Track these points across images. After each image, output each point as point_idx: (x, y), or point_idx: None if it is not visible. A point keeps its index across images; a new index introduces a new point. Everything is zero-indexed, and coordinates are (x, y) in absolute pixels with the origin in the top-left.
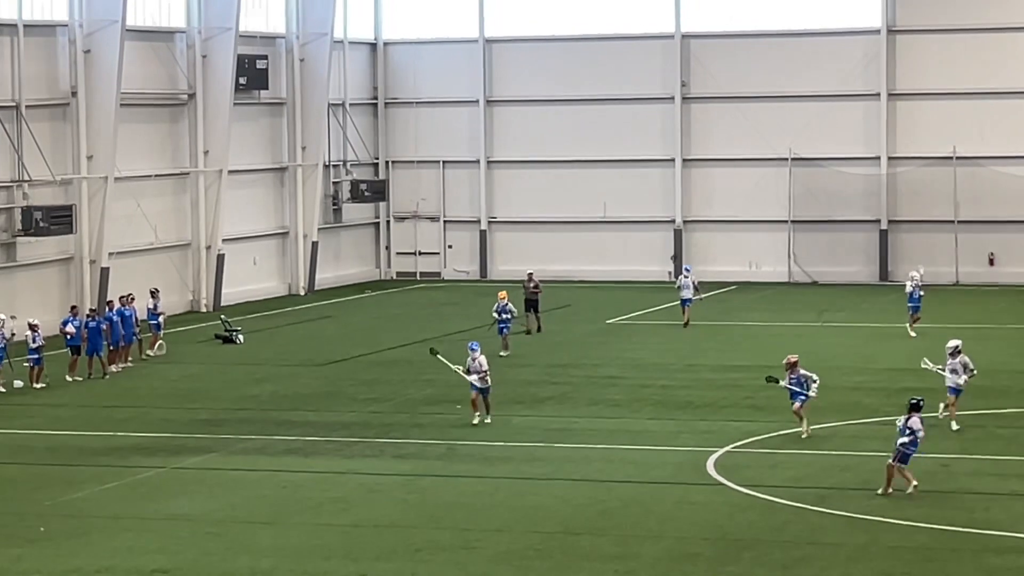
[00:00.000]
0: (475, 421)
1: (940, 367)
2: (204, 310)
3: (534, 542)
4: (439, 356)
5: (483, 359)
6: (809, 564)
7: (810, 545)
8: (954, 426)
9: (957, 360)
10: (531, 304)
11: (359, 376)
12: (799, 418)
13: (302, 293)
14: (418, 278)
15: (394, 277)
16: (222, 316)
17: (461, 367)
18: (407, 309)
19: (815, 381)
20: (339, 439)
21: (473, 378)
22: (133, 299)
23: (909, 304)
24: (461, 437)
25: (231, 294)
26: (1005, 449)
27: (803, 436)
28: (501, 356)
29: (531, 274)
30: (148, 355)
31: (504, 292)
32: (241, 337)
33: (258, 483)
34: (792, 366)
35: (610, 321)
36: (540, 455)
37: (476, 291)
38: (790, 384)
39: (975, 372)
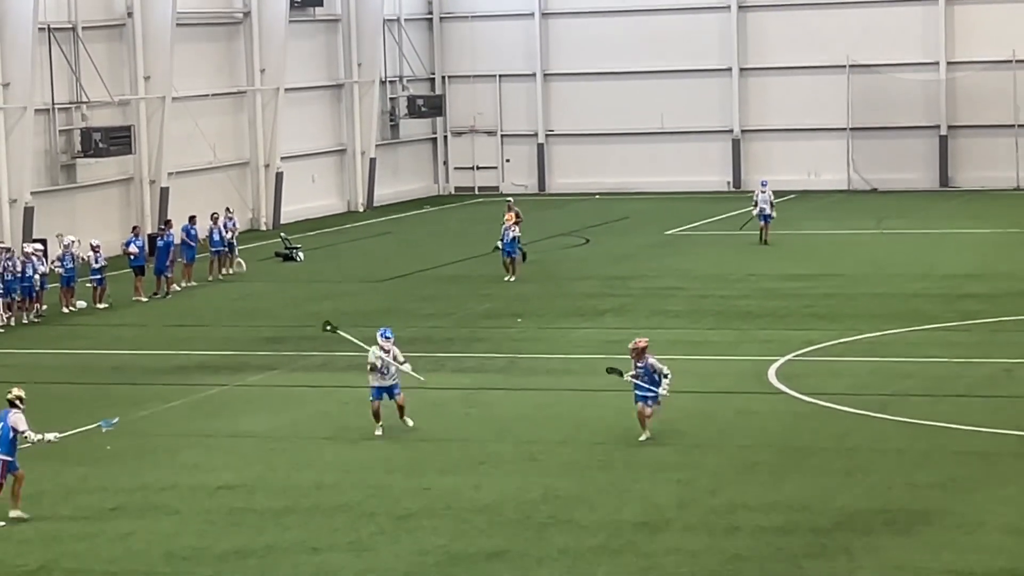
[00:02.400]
0: (378, 432)
1: None
2: (264, 228)
3: (596, 454)
4: (338, 331)
5: (396, 352)
6: (872, 471)
7: (873, 452)
8: None
9: None
10: None
11: (419, 291)
12: (642, 423)
13: (361, 210)
14: (476, 192)
15: (452, 192)
16: (282, 234)
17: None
18: (466, 224)
19: (667, 376)
20: None
21: (391, 374)
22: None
23: None
24: (522, 350)
25: (290, 212)
26: None
27: (640, 439)
28: (506, 280)
29: (510, 203)
30: (224, 274)
31: (511, 214)
32: (301, 254)
33: (321, 399)
34: (639, 353)
35: (668, 232)
36: (601, 367)
37: (534, 204)
38: (636, 377)
39: None
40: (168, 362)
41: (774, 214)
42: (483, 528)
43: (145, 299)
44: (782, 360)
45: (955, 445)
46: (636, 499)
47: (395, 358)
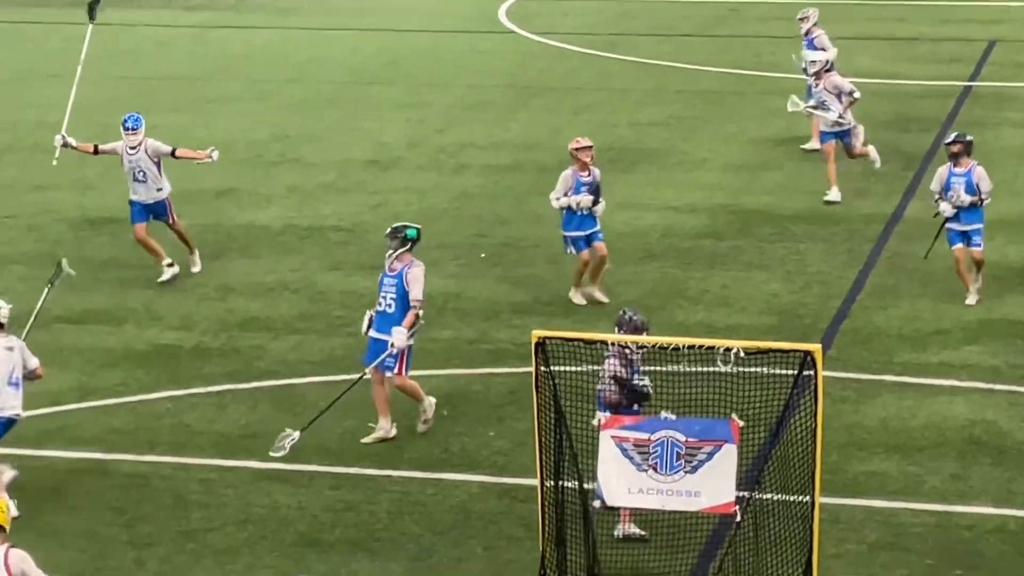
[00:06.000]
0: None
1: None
2: None
3: (325, 92)
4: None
5: (157, 145)
6: (598, 109)
7: (599, 91)
8: None
9: (822, 87)
10: None
11: None
12: None
13: None
14: None
15: None
16: None
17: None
18: None
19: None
20: None
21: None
22: None
23: None
24: None
25: None
26: None
27: None
28: None
29: None
30: None
31: None
32: None
33: (43, 36)
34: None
35: None
36: (331, 6)
37: None
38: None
39: (856, 95)
40: None
41: None
42: (211, 166)
43: None
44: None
45: (680, 84)
46: (366, 138)
47: (157, 151)
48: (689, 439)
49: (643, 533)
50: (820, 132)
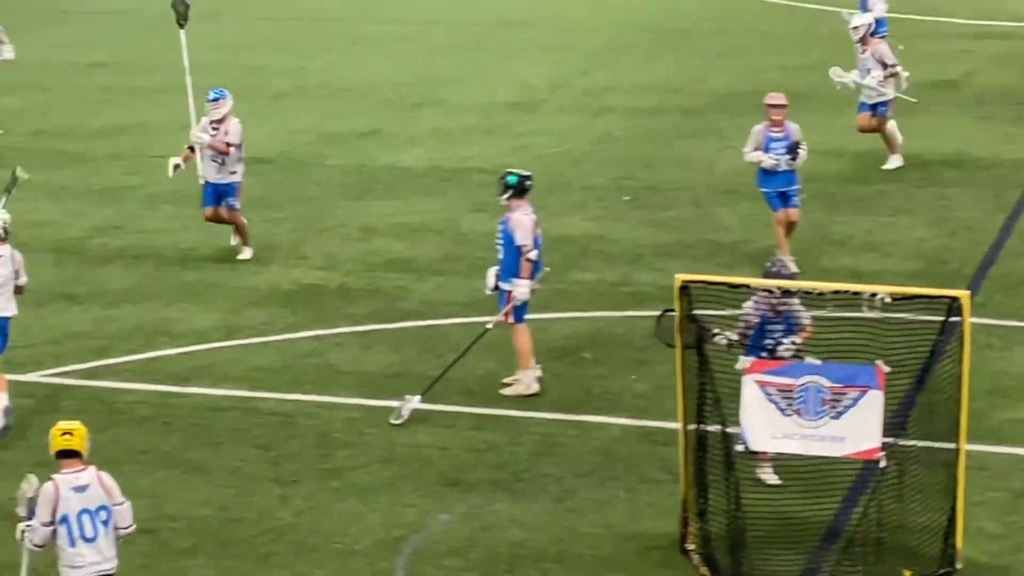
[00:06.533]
0: (244, 255)
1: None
2: None
3: (471, 34)
4: None
5: (233, 129)
6: (744, 53)
7: (746, 34)
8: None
9: (868, 53)
10: None
11: None
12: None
13: None
14: None
15: None
16: None
17: None
18: None
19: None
20: None
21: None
22: None
23: None
24: None
25: None
26: None
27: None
28: None
29: None
30: None
31: None
32: None
33: None
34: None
35: None
36: None
37: None
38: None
39: (897, 68)
40: None
41: None
42: (356, 107)
43: None
44: None
45: (827, 28)
46: (510, 79)
47: (226, 134)
48: (834, 385)
49: (778, 481)
50: (860, 103)
